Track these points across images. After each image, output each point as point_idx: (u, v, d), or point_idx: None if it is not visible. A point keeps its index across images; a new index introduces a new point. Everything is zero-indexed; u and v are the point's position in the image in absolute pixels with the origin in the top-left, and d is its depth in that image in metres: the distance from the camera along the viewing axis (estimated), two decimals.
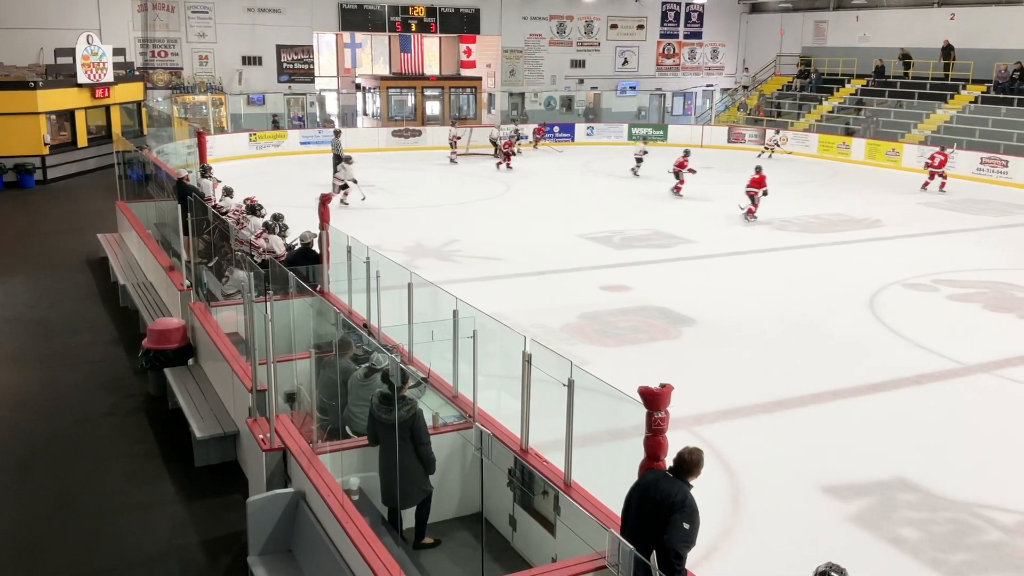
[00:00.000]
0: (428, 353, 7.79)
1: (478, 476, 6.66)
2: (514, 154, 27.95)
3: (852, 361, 10.84)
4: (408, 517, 6.38)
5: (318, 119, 32.82)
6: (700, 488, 5.96)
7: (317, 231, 10.71)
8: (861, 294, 13.62)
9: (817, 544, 6.52)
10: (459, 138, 28.70)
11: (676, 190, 22.20)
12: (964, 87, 30.02)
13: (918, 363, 10.74)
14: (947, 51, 30.71)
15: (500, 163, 26.86)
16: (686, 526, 4.63)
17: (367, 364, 7.00)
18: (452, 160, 28.23)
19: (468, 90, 35.47)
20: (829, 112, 33.23)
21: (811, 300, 13.45)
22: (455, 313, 7.05)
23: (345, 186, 20.63)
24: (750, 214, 19.23)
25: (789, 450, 8.49)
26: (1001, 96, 28.48)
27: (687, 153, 22.33)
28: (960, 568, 6.50)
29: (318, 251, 10.58)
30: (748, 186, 19.44)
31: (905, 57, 32.27)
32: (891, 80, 32.55)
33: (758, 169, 19.65)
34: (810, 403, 9.54)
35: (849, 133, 30.90)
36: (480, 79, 35.63)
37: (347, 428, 7.05)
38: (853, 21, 34.93)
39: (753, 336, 11.88)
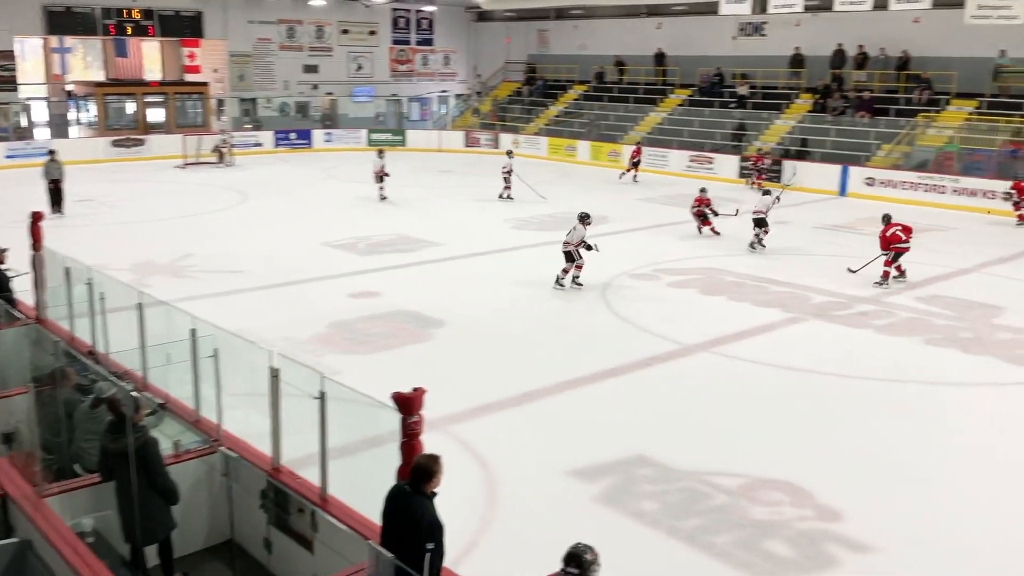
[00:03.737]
0: (165, 377, 7.33)
1: (227, 501, 6.37)
2: (222, 162, 27.50)
3: (590, 349, 11.50)
4: (154, 554, 5.97)
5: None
6: (456, 486, 6.07)
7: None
8: (595, 285, 14.48)
9: (568, 525, 6.85)
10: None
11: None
12: (673, 91, 32.77)
13: (647, 347, 11.58)
14: (659, 58, 33.38)
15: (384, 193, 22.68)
16: (430, 546, 4.67)
17: (92, 395, 6.47)
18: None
19: (194, 96, 33.75)
20: (556, 116, 35.01)
21: (550, 294, 14.11)
22: (192, 332, 6.69)
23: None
24: (712, 230, 18.68)
25: (538, 439, 8.86)
26: (704, 99, 31.39)
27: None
28: (693, 533, 7.09)
29: (10, 273, 9.66)
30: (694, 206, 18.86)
31: (620, 64, 34.70)
32: (609, 86, 34.87)
33: (702, 191, 19.24)
34: (554, 392, 10.01)
35: (575, 137, 32.75)
36: (207, 85, 34.01)
37: (77, 466, 6.48)
38: (572, 30, 37.05)
39: (499, 333, 12.28)
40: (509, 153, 24.29)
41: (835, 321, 12.86)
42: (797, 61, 29.52)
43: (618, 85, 34.66)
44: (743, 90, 30.20)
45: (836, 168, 25.01)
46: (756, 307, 13.48)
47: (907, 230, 14.73)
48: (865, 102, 27.02)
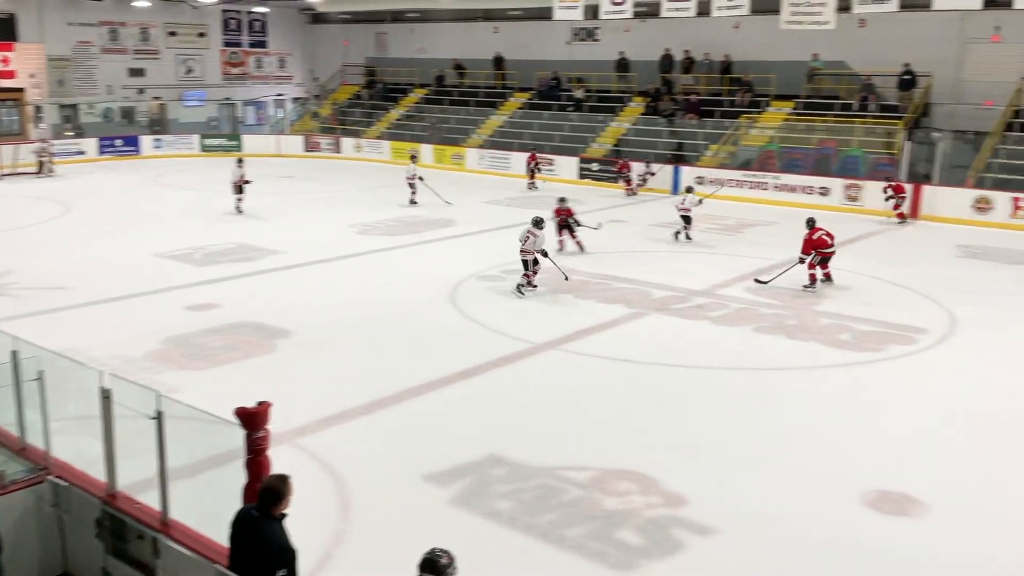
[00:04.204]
0: None
1: (59, 533, 5.97)
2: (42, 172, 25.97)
3: (439, 353, 11.50)
4: None
5: None
6: (308, 498, 5.92)
7: None
8: (444, 289, 14.50)
9: (424, 531, 6.80)
10: None
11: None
12: (513, 95, 33.26)
13: (496, 347, 11.70)
14: (498, 62, 33.80)
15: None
16: (281, 573, 4.52)
17: None
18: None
19: (9, 103, 31.46)
20: (397, 120, 34.83)
21: (399, 300, 14.01)
22: (14, 354, 6.24)
23: None
24: (577, 244, 17.92)
25: (390, 447, 8.78)
26: (543, 102, 32.03)
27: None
28: (548, 528, 7.22)
29: None
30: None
31: (459, 67, 34.90)
32: (449, 89, 35.01)
33: (562, 200, 18.53)
34: (405, 398, 9.95)
35: (418, 140, 32.68)
36: (23, 91, 31.76)
37: None
38: (410, 33, 36.97)
39: (347, 340, 12.09)
40: (413, 158, 23.83)
41: (674, 314, 13.40)
42: (623, 66, 30.63)
43: (458, 88, 34.85)
44: (579, 93, 31.02)
45: (668, 168, 26.06)
46: (600, 304, 13.87)
47: (831, 235, 14.76)
48: (693, 104, 28.31)
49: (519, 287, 14.33)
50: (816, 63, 26.73)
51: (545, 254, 14.30)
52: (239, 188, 21.56)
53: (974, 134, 23.55)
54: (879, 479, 8.08)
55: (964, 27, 24.22)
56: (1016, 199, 20.31)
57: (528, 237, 14.31)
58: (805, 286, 14.73)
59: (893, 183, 21.35)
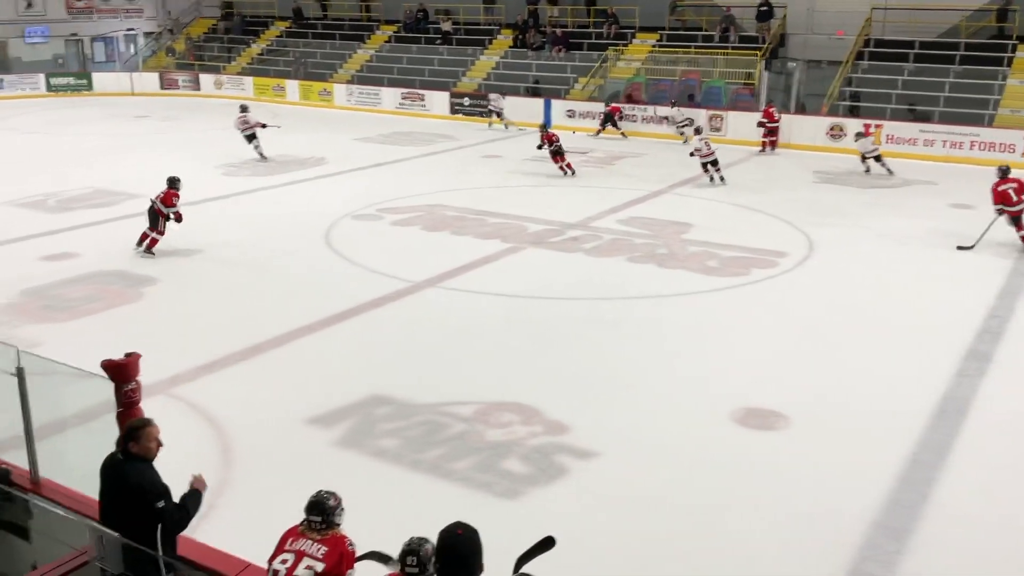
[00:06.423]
0: None
1: None
2: None
3: (318, 295, 11.31)
4: None
5: None
6: (187, 448, 5.79)
7: None
8: (317, 230, 14.20)
9: (310, 474, 6.77)
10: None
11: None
12: (379, 28, 32.40)
13: (375, 287, 11.59)
14: None
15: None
16: (160, 504, 4.40)
17: None
18: None
19: None
20: (259, 55, 33.45)
21: (272, 241, 13.65)
22: None
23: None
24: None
25: (271, 392, 8.63)
26: (410, 36, 31.36)
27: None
28: (435, 462, 7.30)
29: None
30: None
31: None
32: (313, 22, 33.79)
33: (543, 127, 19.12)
34: (284, 342, 9.77)
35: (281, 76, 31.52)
36: None
37: None
38: None
39: (218, 284, 11.73)
40: (243, 109, 22.00)
41: (550, 248, 13.59)
42: None
43: (322, 22, 33.68)
44: (447, 26, 30.53)
45: (539, 102, 26.12)
46: (477, 239, 13.90)
47: (1021, 190, 13.11)
48: (560, 37, 28.33)
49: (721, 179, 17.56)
50: None
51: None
52: (252, 135, 20.19)
53: (827, 63, 24.54)
54: (746, 397, 8.53)
55: None
56: (867, 125, 21.36)
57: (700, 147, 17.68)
58: None
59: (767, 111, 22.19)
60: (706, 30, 26.59)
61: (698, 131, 19.93)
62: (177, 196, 12.91)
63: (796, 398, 8.52)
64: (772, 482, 7.11)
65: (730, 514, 6.66)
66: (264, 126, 20.49)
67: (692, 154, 18.38)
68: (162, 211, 12.87)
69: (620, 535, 6.39)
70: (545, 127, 19.45)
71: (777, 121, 22.16)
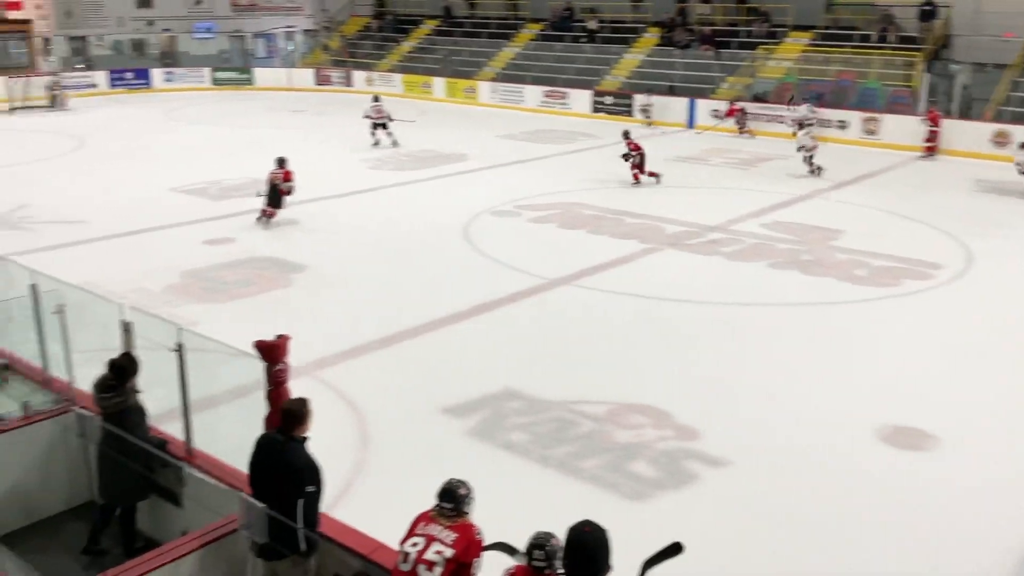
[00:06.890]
0: (10, 337, 6.90)
1: (84, 462, 6.11)
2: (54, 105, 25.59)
3: (454, 288, 11.55)
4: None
5: None
6: (328, 430, 6.03)
7: None
8: (457, 225, 14.48)
9: (442, 461, 6.94)
10: None
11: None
12: (525, 26, 32.69)
13: (511, 283, 11.73)
14: None
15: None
16: (310, 488, 4.65)
17: None
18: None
19: (17, 35, 31.16)
20: (409, 52, 34.36)
21: (413, 235, 14.03)
22: (33, 287, 6.31)
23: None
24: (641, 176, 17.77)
25: (408, 380, 8.89)
26: (555, 34, 31.48)
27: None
28: (564, 459, 7.34)
29: None
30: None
31: None
32: (461, 20, 34.42)
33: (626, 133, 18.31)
34: (422, 332, 10.03)
35: (430, 73, 32.27)
36: (30, 22, 31.43)
37: None
38: None
39: (363, 275, 12.14)
40: (376, 99, 22.82)
41: (688, 250, 13.37)
42: None
43: (470, 20, 34.27)
44: (592, 24, 30.46)
45: (684, 101, 25.70)
46: (614, 239, 13.84)
47: None
48: (708, 35, 27.78)
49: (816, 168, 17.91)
50: None
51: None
52: (382, 125, 21.51)
53: (993, 67, 23.06)
54: (892, 414, 8.14)
55: None
56: None
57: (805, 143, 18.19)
58: None
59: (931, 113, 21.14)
60: (862, 29, 25.48)
61: (801, 125, 20.00)
62: (292, 173, 14.33)
63: (946, 419, 8.08)
64: (914, 505, 6.77)
65: (864, 536, 6.39)
66: (392, 120, 21.51)
67: (798, 149, 18.71)
68: (283, 188, 14.18)
69: (746, 548, 6.25)
70: (628, 134, 18.07)
71: (939, 126, 21.04)
